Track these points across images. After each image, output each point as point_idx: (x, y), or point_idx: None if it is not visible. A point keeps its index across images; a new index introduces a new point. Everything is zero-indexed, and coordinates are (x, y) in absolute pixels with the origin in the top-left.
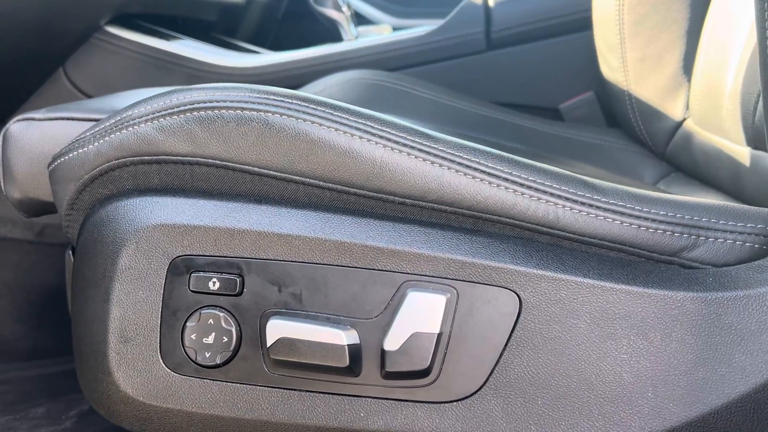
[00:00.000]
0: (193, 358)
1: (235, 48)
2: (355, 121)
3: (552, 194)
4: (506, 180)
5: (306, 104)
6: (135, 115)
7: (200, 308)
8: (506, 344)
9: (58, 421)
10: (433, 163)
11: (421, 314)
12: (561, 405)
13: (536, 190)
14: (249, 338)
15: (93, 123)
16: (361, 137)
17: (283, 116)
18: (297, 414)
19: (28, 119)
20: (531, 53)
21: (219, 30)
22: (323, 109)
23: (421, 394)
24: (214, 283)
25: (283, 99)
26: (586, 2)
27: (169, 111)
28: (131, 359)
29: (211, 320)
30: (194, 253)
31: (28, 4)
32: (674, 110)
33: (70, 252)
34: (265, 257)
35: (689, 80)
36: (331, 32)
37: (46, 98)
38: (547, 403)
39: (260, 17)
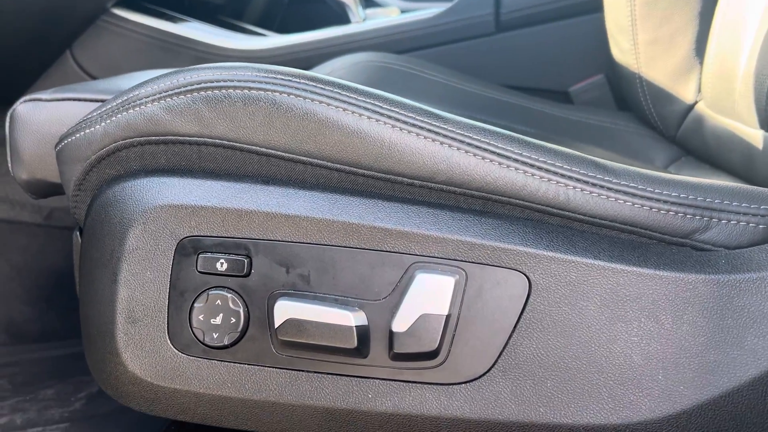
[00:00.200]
0: (201, 339)
1: (242, 31)
2: (364, 101)
3: (563, 175)
4: (516, 161)
5: (314, 84)
6: (142, 94)
7: (208, 289)
8: (515, 326)
9: (67, 403)
10: (442, 143)
11: (429, 296)
12: (570, 387)
13: (546, 171)
14: (257, 319)
15: (99, 104)
16: (369, 117)
17: (291, 96)
18: (305, 395)
19: (34, 100)
20: (540, 35)
21: (226, 13)
22: (331, 89)
23: (430, 375)
24: (221, 264)
25: (290, 78)
26: None
27: (176, 90)
28: (139, 340)
29: (218, 301)
30: (202, 234)
31: None
32: (686, 93)
33: (78, 233)
34: (272, 238)
35: (701, 63)
36: (338, 15)
37: (53, 81)
38: (556, 385)
39: (267, 0)
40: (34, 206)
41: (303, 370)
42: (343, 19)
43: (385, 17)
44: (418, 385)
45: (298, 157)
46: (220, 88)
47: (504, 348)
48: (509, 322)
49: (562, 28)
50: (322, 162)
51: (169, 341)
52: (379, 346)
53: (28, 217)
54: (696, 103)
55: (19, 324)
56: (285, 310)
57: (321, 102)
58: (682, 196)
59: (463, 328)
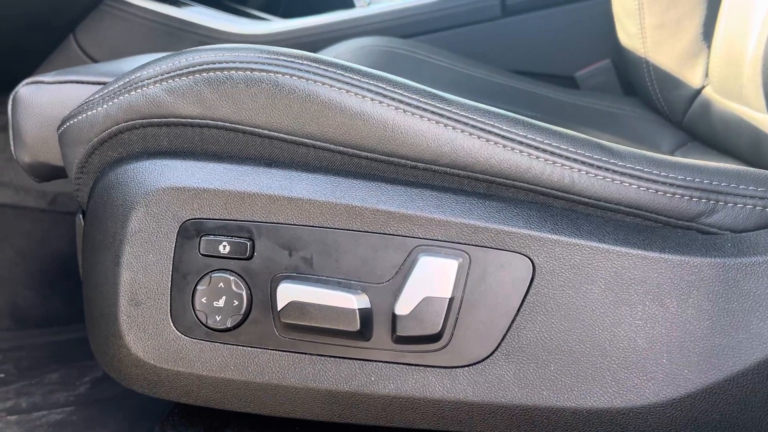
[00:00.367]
0: (204, 322)
1: (247, 15)
2: (367, 83)
3: (567, 158)
4: (521, 143)
5: (316, 65)
6: (144, 76)
7: (211, 272)
8: (519, 309)
9: (72, 387)
10: (446, 125)
11: (432, 279)
12: (574, 371)
13: (551, 153)
14: (259, 302)
15: (102, 86)
16: (372, 99)
17: (293, 77)
18: (307, 378)
19: (37, 83)
20: (547, 20)
21: None
22: (334, 70)
23: (432, 358)
24: (224, 246)
25: (293, 60)
26: None
27: (178, 72)
28: (142, 322)
29: (221, 284)
30: (204, 217)
31: None
32: (693, 78)
33: (81, 216)
34: (275, 221)
35: (709, 47)
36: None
37: (56, 66)
38: (559, 369)
39: None
40: (38, 191)
41: (306, 353)
42: (348, 3)
43: (390, 1)
44: (420, 368)
45: (300, 139)
46: (222, 69)
47: (507, 331)
48: (513, 306)
49: (569, 12)
50: (324, 144)
51: (171, 324)
52: (382, 329)
53: (32, 202)
54: (703, 87)
55: (23, 309)
56: (288, 293)
57: (324, 83)
58: (688, 179)
59: (466, 312)
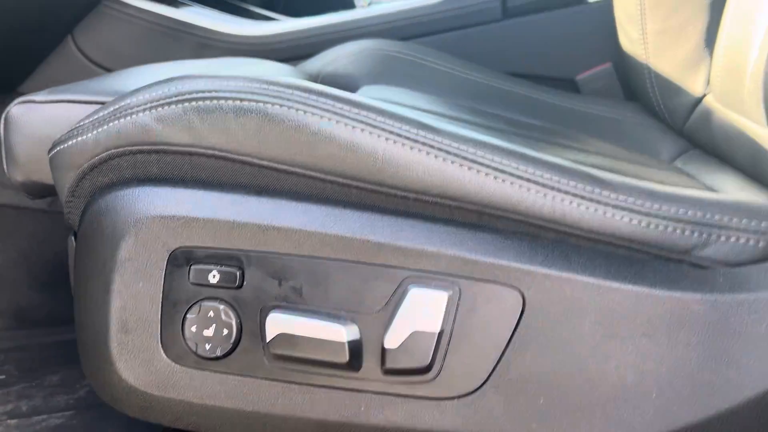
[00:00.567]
0: (194, 350)
1: (246, 13)
2: (357, 113)
3: (559, 190)
4: (512, 175)
5: (307, 95)
6: (133, 103)
7: (200, 300)
8: (509, 342)
9: (72, 390)
10: (436, 156)
11: (422, 311)
12: (563, 404)
13: (543, 185)
14: (249, 331)
15: (94, 105)
16: (362, 129)
17: (283, 107)
18: (297, 407)
19: (28, 102)
20: (548, 22)
21: None
22: (324, 100)
23: (422, 389)
24: (213, 276)
25: (283, 89)
26: None
27: (167, 100)
28: (132, 349)
29: (211, 312)
30: (194, 245)
31: None
32: (694, 85)
33: (72, 238)
34: (265, 250)
35: (711, 55)
36: None
37: (55, 66)
38: (549, 402)
39: None
40: None
41: (295, 383)
42: (347, 2)
43: (391, 2)
44: (410, 398)
45: (291, 168)
46: (211, 98)
47: (497, 364)
48: (502, 338)
49: (570, 15)
50: (315, 174)
51: (162, 351)
52: (372, 360)
53: (33, 203)
54: (704, 96)
55: (26, 309)
56: (277, 323)
57: (314, 114)
58: (680, 211)
59: (456, 344)
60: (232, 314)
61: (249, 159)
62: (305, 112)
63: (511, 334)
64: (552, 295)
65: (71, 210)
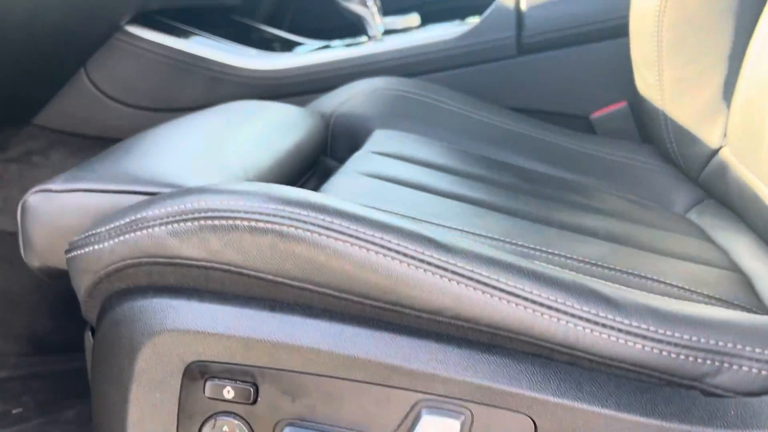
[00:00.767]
0: None
1: (257, 32)
2: (372, 235)
3: (573, 315)
4: (525, 299)
5: (321, 216)
6: (149, 216)
7: (215, 414)
8: None
9: (87, 427)
10: (450, 279)
11: None
12: None
13: (557, 310)
14: None
15: (109, 194)
16: (377, 252)
17: (298, 230)
18: None
19: (45, 191)
20: (564, 59)
21: (238, 12)
22: (339, 222)
23: None
24: (228, 391)
25: (297, 211)
26: (622, 8)
27: (183, 217)
28: None
29: (226, 427)
30: (208, 360)
31: (48, 6)
32: (711, 137)
33: (90, 333)
34: (278, 367)
35: (728, 107)
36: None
37: (68, 99)
38: None
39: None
40: None
41: None
42: (355, 27)
43: (404, 31)
44: None
45: (305, 285)
46: (227, 218)
47: None
48: None
49: (586, 52)
50: (329, 291)
51: None
52: None
53: None
54: (721, 148)
55: (41, 336)
56: None
57: (329, 236)
58: (693, 338)
59: None
60: (246, 430)
61: (263, 275)
62: (320, 234)
63: None
64: (563, 426)
65: (88, 309)
